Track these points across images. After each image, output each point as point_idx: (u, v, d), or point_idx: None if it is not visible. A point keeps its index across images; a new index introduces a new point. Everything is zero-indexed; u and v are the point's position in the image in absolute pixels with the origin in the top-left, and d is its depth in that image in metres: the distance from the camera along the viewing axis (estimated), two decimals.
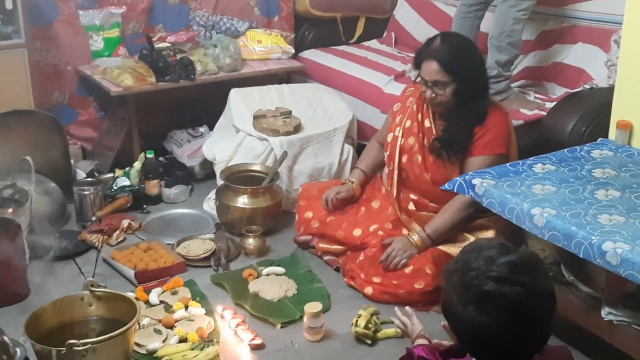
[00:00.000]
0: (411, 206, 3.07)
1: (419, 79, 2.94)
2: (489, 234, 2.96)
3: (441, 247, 2.92)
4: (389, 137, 3.13)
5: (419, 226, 2.96)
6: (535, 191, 2.46)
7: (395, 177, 3.08)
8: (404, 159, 3.07)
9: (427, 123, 3.03)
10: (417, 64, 2.94)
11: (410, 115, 3.07)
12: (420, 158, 3.01)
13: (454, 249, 2.90)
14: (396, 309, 2.27)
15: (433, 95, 2.88)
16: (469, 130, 2.91)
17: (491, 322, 1.50)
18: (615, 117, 2.87)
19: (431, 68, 2.86)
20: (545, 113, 3.32)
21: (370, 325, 2.67)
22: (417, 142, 3.02)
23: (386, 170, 3.19)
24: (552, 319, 1.56)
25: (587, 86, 3.31)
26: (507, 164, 2.70)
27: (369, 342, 2.66)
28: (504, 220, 2.47)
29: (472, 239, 2.91)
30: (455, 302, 1.56)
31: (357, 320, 2.68)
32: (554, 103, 3.34)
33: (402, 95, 3.21)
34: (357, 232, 3.08)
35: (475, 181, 2.55)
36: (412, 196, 3.07)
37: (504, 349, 1.54)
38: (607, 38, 3.36)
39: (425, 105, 3.03)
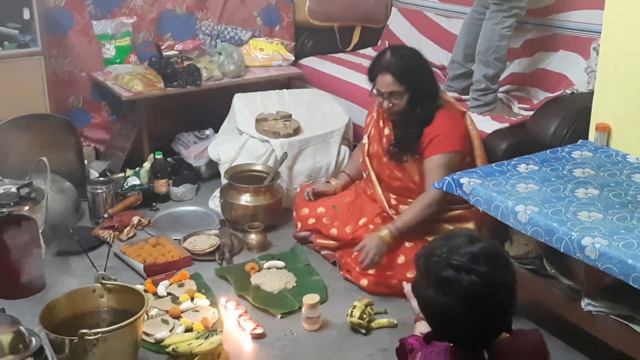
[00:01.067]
0: (393, 202, 3.08)
1: (374, 91, 2.93)
2: (470, 225, 2.95)
3: (429, 239, 2.91)
4: (360, 149, 3.22)
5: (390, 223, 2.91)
6: (519, 190, 2.46)
7: (374, 179, 3.09)
8: (375, 164, 3.12)
9: (386, 131, 3.06)
10: (372, 78, 2.94)
11: (374, 124, 3.13)
12: (386, 160, 3.04)
13: None
14: (406, 290, 2.21)
15: (390, 105, 2.90)
16: (417, 131, 2.91)
17: (449, 305, 1.51)
18: (594, 120, 2.87)
19: (386, 80, 2.87)
20: (529, 116, 3.31)
21: (364, 316, 2.67)
22: (379, 147, 3.06)
23: (364, 175, 3.21)
24: (511, 306, 1.56)
25: (568, 91, 3.31)
26: (493, 164, 2.69)
27: (363, 331, 2.66)
28: (487, 214, 2.47)
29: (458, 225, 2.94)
30: (420, 283, 1.59)
31: (352, 311, 2.68)
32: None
33: (372, 106, 3.21)
34: (348, 229, 3.08)
35: (463, 180, 2.55)
36: (392, 196, 3.08)
37: (462, 329, 1.54)
38: (587, 46, 3.35)
39: (385, 114, 3.04)
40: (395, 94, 2.88)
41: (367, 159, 3.14)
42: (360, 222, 3.07)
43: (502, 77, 3.72)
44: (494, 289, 1.51)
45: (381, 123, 3.08)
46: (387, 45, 3.02)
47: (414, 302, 2.06)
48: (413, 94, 2.88)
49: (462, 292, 1.49)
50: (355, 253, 2.88)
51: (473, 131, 3.02)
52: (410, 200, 3.01)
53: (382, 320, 2.70)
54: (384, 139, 3.06)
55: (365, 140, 3.18)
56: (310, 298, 2.69)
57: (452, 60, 3.80)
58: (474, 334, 1.55)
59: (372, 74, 2.94)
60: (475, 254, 1.51)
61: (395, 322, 2.70)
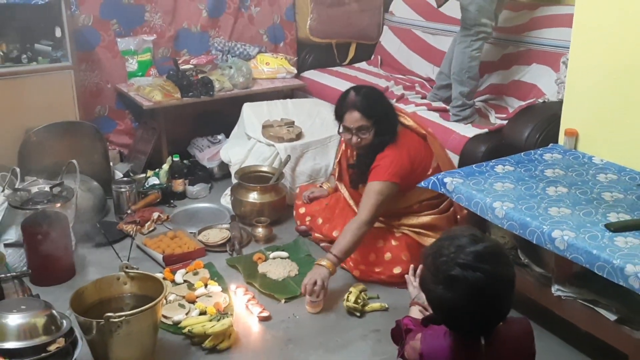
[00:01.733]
0: None
1: (341, 129, 2.85)
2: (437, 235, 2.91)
3: (413, 237, 2.92)
4: (334, 173, 3.25)
5: (329, 252, 2.77)
6: (497, 188, 2.46)
7: (352, 202, 3.08)
8: (347, 193, 3.12)
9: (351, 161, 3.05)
10: (339, 117, 2.85)
11: (343, 152, 3.12)
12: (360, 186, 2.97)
13: (425, 239, 2.89)
14: (407, 276, 2.15)
15: (358, 140, 2.81)
16: (370, 159, 2.83)
17: (456, 299, 1.52)
18: (563, 125, 2.88)
19: (354, 117, 2.78)
20: (505, 122, 3.31)
21: (359, 301, 2.67)
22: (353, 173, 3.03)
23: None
24: (510, 299, 1.56)
25: (540, 100, 3.31)
26: (473, 165, 2.69)
27: (358, 314, 2.66)
28: (467, 217, 2.48)
29: (430, 233, 2.89)
30: (429, 280, 1.58)
31: (348, 296, 2.68)
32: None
33: None
34: (335, 233, 3.06)
35: (447, 180, 2.55)
36: (385, 218, 3.00)
37: (467, 320, 1.55)
38: (557, 60, 3.35)
39: (353, 150, 2.98)
40: (363, 129, 2.79)
41: (340, 184, 3.15)
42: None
43: (482, 86, 3.73)
44: (497, 284, 1.51)
45: (348, 153, 3.06)
46: (348, 90, 2.90)
47: (411, 288, 2.06)
48: (378, 127, 2.79)
49: (468, 288, 1.50)
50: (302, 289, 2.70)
51: (436, 149, 2.93)
52: (385, 218, 2.94)
53: (375, 305, 2.70)
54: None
55: (336, 164, 3.20)
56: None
57: (440, 71, 3.80)
58: (476, 323, 1.56)
59: (339, 112, 2.84)
60: (479, 252, 1.52)
61: (387, 306, 2.70)
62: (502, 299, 1.54)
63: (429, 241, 2.87)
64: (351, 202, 3.09)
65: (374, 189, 2.78)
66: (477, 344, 1.57)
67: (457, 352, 1.59)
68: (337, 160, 3.20)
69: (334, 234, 3.07)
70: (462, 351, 1.58)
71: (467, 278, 1.49)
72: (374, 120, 2.79)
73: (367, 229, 2.77)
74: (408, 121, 2.95)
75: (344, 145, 3.10)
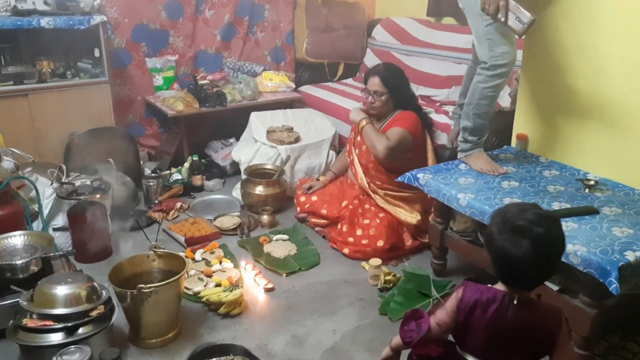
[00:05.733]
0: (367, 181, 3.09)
1: (364, 90, 3.03)
2: (416, 206, 2.99)
3: (392, 212, 2.95)
4: (348, 140, 3.27)
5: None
6: (460, 182, 2.47)
7: (357, 162, 3.12)
8: (357, 152, 3.13)
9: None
10: (365, 80, 3.05)
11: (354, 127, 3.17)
12: (365, 147, 3.07)
13: (401, 212, 2.96)
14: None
15: (372, 100, 2.99)
16: (392, 109, 3.03)
17: (515, 250, 1.46)
18: (515, 130, 2.89)
19: (374, 81, 2.99)
20: None
21: (388, 279, 2.63)
22: (361, 138, 3.09)
23: (348, 160, 3.22)
24: (558, 260, 1.52)
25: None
26: (441, 164, 2.70)
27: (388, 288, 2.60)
28: (437, 200, 2.48)
29: (406, 207, 2.98)
30: (494, 231, 1.51)
31: (383, 279, 2.62)
32: None
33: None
34: (335, 211, 3.08)
35: (419, 175, 2.56)
36: (366, 178, 3.09)
37: (519, 270, 1.49)
38: (511, 77, 3.35)
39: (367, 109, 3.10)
40: (378, 93, 2.97)
41: (352, 147, 3.17)
42: (343, 204, 3.09)
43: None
44: (552, 242, 1.48)
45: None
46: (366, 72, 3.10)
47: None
48: (392, 96, 2.98)
49: (530, 238, 1.44)
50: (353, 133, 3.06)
51: (428, 139, 3.06)
52: (377, 182, 3.06)
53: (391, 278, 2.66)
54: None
55: (351, 135, 3.23)
56: (375, 261, 2.68)
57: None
58: (526, 274, 1.49)
59: (366, 77, 3.04)
60: (540, 215, 1.48)
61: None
62: (553, 258, 1.50)
63: (403, 215, 2.96)
64: (359, 169, 3.09)
65: (396, 131, 2.93)
66: (510, 302, 1.52)
67: (490, 303, 1.54)
68: (355, 131, 3.19)
69: (334, 211, 3.07)
70: (495, 303, 1.54)
71: (531, 230, 1.45)
72: (389, 88, 2.95)
73: (386, 150, 2.87)
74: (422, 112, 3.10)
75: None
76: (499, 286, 1.57)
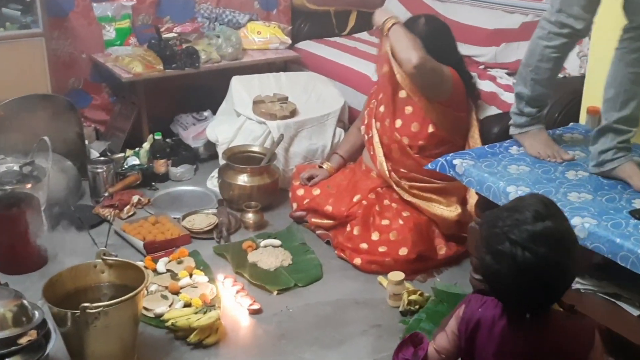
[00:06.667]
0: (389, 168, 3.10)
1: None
2: (452, 199, 3.02)
3: (423, 209, 2.98)
4: (367, 111, 3.24)
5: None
6: (511, 171, 2.46)
7: (377, 140, 3.12)
8: (377, 125, 3.13)
9: (402, 94, 3.07)
10: None
11: (383, 89, 3.14)
12: (389, 121, 3.07)
13: (435, 207, 3.00)
14: None
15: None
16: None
17: (503, 272, 1.52)
18: (585, 103, 2.87)
19: None
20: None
21: (413, 299, 2.64)
22: (386, 108, 3.09)
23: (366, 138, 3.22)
24: (563, 286, 1.55)
25: (560, 75, 3.29)
26: (485, 146, 2.69)
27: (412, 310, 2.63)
28: (479, 201, 2.48)
29: (441, 199, 3.01)
30: (480, 247, 1.59)
31: (406, 299, 2.65)
32: None
33: (379, 79, 3.28)
34: (343, 207, 3.08)
35: (456, 161, 2.55)
36: (389, 163, 3.09)
37: (511, 294, 1.56)
38: None
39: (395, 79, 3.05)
40: None
41: (372, 121, 3.16)
42: (355, 199, 3.09)
43: (499, 60, 3.62)
44: (547, 269, 1.50)
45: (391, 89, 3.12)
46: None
47: None
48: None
49: (515, 265, 1.49)
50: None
51: (474, 120, 3.09)
52: (402, 170, 3.06)
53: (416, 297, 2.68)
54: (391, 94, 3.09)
55: (373, 104, 3.20)
56: (396, 275, 2.70)
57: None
58: (521, 300, 1.56)
59: None
60: (536, 233, 1.50)
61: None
62: (551, 285, 1.53)
63: (439, 209, 2.96)
64: (378, 150, 3.09)
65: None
66: (521, 318, 1.57)
67: (497, 321, 1.59)
68: (377, 97, 3.20)
69: (342, 207, 3.07)
70: (502, 321, 1.59)
71: (514, 256, 1.49)
72: (430, 55, 2.91)
73: (422, 60, 2.83)
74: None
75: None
76: None
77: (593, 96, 2.83)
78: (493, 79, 3.54)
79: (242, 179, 3.39)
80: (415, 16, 3.09)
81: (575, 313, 1.61)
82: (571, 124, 2.89)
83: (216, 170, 3.59)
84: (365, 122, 3.23)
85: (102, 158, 3.62)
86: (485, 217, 1.63)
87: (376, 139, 3.13)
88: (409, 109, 3.05)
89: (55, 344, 2.20)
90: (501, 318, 1.59)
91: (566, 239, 1.55)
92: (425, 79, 2.92)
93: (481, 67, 3.76)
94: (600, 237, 2.05)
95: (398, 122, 3.07)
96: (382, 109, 3.13)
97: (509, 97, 3.41)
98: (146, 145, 3.74)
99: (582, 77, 2.96)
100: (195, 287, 2.74)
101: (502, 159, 2.56)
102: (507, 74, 3.69)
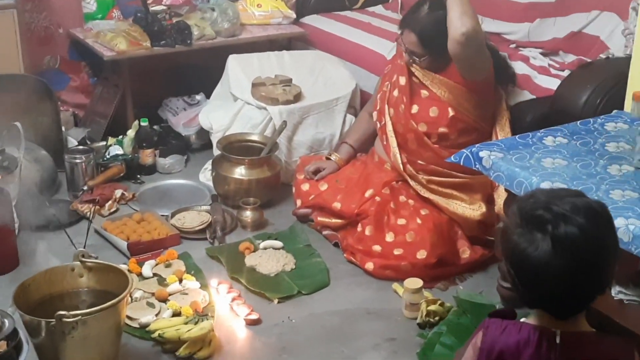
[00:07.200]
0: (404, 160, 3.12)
1: (399, 40, 3.10)
2: (476, 196, 3.03)
3: (443, 207, 3.00)
4: (379, 95, 3.25)
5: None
6: (545, 165, 2.45)
7: (390, 128, 3.14)
8: (391, 112, 3.15)
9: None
10: (401, 27, 3.10)
11: (398, 70, 3.16)
12: (403, 107, 3.08)
13: (456, 205, 3.01)
14: None
15: (410, 60, 3.06)
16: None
17: (535, 257, 1.47)
18: (631, 88, 2.86)
19: (410, 39, 3.02)
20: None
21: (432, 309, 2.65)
22: (400, 92, 3.11)
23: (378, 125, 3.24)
24: (606, 271, 1.52)
25: (602, 55, 3.29)
26: (516, 137, 2.69)
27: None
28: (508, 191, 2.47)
29: (464, 196, 3.02)
30: (507, 229, 1.55)
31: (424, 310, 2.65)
32: (566, 72, 3.31)
33: (393, 57, 3.31)
34: (353, 204, 3.09)
35: (483, 154, 2.54)
36: (403, 154, 3.11)
37: (549, 287, 1.50)
38: (626, 5, 3.32)
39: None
40: (415, 54, 3.03)
41: (385, 107, 3.17)
42: (367, 194, 3.10)
43: (533, 38, 3.66)
44: (593, 247, 1.47)
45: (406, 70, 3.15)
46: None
47: None
48: (433, 58, 3.00)
49: (557, 240, 1.45)
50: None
51: (504, 110, 3.11)
52: (420, 162, 3.07)
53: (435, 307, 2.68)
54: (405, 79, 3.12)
55: (387, 87, 3.21)
56: (414, 282, 2.71)
57: None
58: (561, 295, 1.51)
59: (403, 25, 3.09)
60: (578, 205, 1.48)
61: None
62: (597, 270, 1.49)
63: (459, 209, 2.99)
64: (392, 140, 3.12)
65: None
66: (551, 343, 1.53)
67: (522, 348, 1.55)
68: (390, 80, 3.22)
69: (352, 205, 3.08)
70: (529, 348, 1.54)
71: (556, 227, 1.45)
72: (429, 50, 2.99)
73: (469, 27, 2.81)
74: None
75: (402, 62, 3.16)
76: (533, 320, 1.58)
77: None
78: (526, 59, 3.52)
79: (239, 172, 3.40)
80: (420, 3, 3.07)
81: (601, 330, 1.58)
82: (615, 111, 2.88)
83: (210, 162, 3.60)
84: (378, 108, 3.24)
85: (80, 147, 3.63)
86: (515, 200, 1.59)
87: (389, 127, 3.14)
88: (424, 93, 3.06)
89: (28, 357, 2.20)
90: (527, 345, 1.55)
91: (611, 220, 1.54)
92: (468, 51, 2.90)
93: (512, 45, 3.74)
94: None
95: (414, 108, 3.07)
96: (395, 92, 3.13)
97: (543, 81, 3.42)
98: (131, 133, 3.75)
99: (627, 59, 2.94)
100: (186, 293, 2.75)
101: (535, 151, 2.55)
102: (542, 54, 3.67)
